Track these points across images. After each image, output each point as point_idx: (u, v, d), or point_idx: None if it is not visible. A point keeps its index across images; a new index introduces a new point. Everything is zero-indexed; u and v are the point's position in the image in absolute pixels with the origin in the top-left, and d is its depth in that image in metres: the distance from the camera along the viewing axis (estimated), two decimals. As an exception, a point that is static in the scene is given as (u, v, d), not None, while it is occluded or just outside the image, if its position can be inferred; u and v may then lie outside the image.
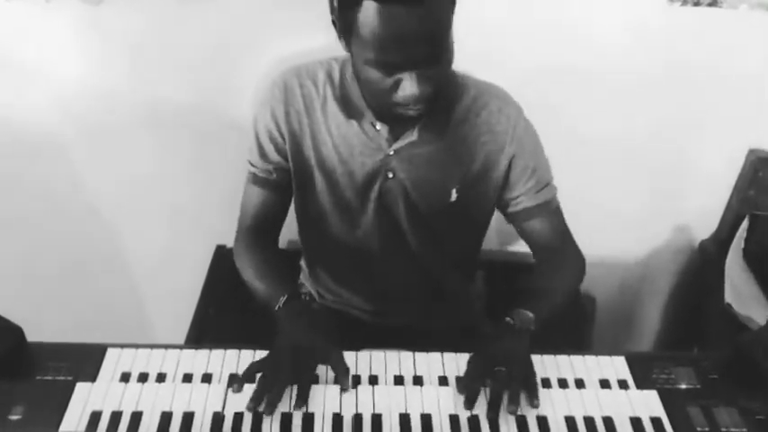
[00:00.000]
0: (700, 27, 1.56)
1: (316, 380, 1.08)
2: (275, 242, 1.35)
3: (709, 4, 1.53)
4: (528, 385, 1.03)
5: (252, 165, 1.29)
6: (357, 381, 1.09)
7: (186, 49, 1.60)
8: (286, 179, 1.29)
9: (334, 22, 1.06)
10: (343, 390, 1.05)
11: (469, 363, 1.09)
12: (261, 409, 0.99)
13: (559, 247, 1.31)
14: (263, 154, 1.27)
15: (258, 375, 1.04)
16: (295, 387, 1.03)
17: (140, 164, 1.80)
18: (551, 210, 1.30)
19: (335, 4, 1.03)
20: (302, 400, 1.01)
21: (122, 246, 1.98)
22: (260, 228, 1.31)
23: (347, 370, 1.07)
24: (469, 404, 1.01)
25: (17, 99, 1.66)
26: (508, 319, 1.14)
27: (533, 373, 1.06)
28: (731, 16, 1.54)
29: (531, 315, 1.14)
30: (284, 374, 1.03)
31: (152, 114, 1.70)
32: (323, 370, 1.09)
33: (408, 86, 1.04)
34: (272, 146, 1.26)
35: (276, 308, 1.17)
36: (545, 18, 1.55)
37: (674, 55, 1.61)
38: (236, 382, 1.03)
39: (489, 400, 1.02)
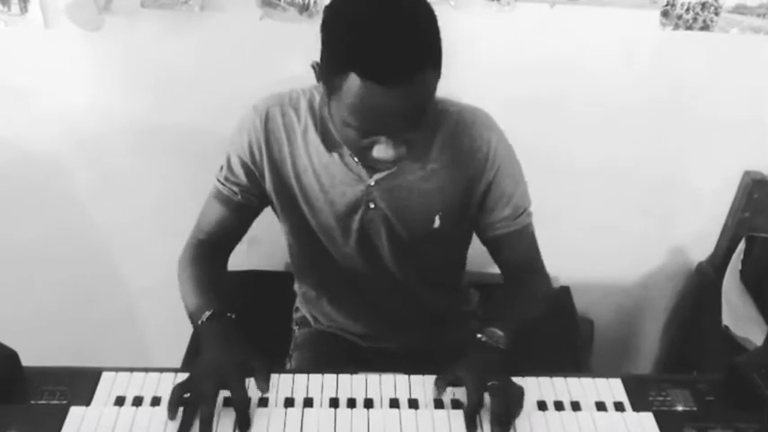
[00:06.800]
0: (692, 50, 1.58)
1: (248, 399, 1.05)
2: (223, 260, 1.33)
3: (701, 28, 1.55)
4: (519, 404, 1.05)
5: (219, 181, 1.27)
6: (352, 404, 1.08)
7: (187, 72, 1.62)
8: (249, 202, 1.27)
9: (314, 66, 1.05)
10: (262, 393, 1.05)
11: (460, 377, 1.08)
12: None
13: (529, 270, 1.31)
14: (231, 175, 1.26)
15: (185, 396, 1.02)
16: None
17: (140, 187, 1.81)
18: (527, 235, 1.29)
19: (322, 63, 1.02)
20: (244, 420, 1.01)
21: (120, 270, 1.99)
22: (212, 243, 1.29)
23: (268, 375, 1.07)
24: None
25: (15, 123, 1.68)
26: (480, 336, 1.14)
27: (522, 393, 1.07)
28: (723, 40, 1.56)
29: (501, 333, 1.14)
30: (210, 387, 1.01)
31: (152, 137, 1.72)
32: (316, 393, 1.09)
33: (383, 150, 1.03)
34: (242, 171, 1.25)
35: (199, 322, 1.14)
36: (538, 41, 1.58)
37: (668, 78, 1.63)
38: (168, 410, 1.01)
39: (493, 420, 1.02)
